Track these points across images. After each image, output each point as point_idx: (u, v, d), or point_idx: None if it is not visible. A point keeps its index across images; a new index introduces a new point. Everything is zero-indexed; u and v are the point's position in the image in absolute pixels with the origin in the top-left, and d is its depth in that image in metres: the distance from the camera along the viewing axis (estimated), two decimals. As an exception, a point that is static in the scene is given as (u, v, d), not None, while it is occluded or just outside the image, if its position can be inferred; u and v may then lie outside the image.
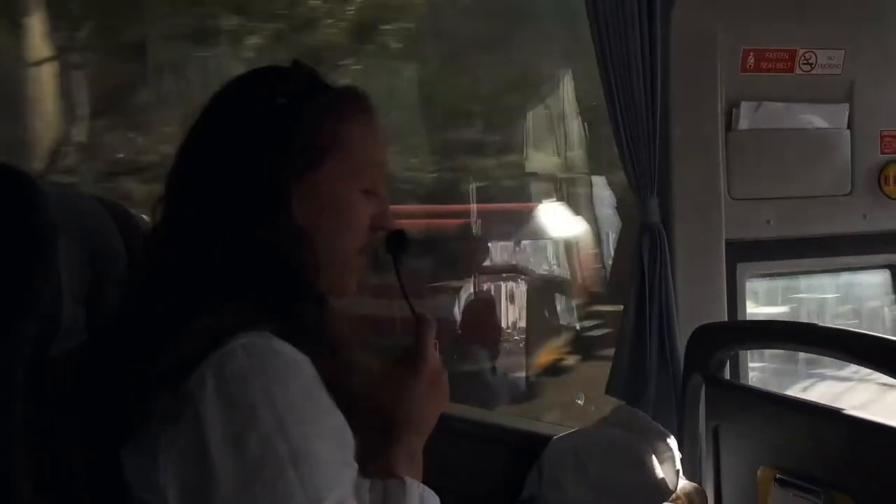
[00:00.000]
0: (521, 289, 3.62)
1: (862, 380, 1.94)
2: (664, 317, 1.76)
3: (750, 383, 1.85)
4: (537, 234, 3.78)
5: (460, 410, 1.94)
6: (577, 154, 3.50)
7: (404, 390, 0.82)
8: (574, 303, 3.55)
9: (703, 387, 1.54)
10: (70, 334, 0.81)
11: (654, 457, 1.53)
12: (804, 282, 2.14)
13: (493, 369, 3.35)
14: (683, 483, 1.52)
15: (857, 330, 1.45)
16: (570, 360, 3.44)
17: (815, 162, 1.94)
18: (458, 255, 3.69)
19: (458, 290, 3.53)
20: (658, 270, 1.75)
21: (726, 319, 1.82)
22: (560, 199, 3.74)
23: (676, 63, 1.76)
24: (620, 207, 2.58)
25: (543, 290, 3.67)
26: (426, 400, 0.83)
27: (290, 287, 0.77)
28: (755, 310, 1.98)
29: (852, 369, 1.94)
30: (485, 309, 3.63)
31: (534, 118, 3.82)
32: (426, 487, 0.81)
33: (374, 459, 0.78)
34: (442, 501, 0.83)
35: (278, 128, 0.80)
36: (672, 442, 1.56)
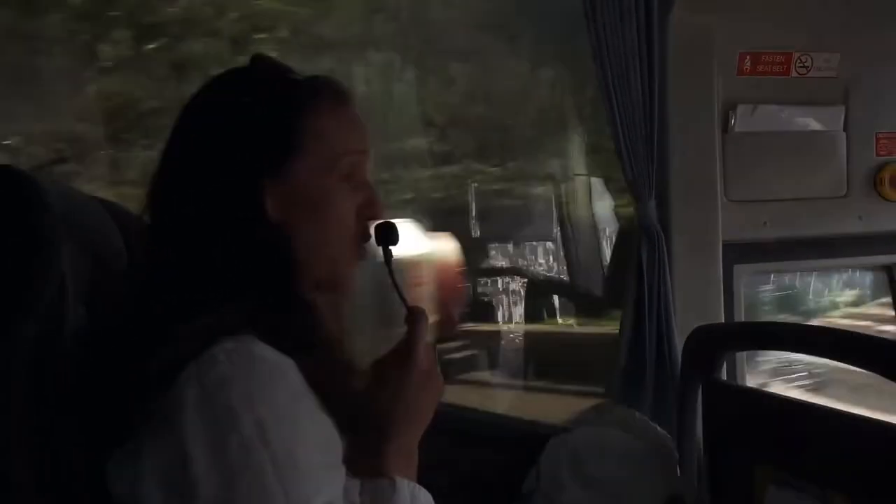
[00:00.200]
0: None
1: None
2: (662, 318, 1.76)
3: (747, 384, 1.86)
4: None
5: (458, 409, 1.95)
6: (576, 155, 3.50)
7: (396, 386, 0.80)
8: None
9: (701, 388, 1.55)
10: (72, 334, 0.81)
11: (652, 457, 1.54)
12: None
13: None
14: (681, 483, 1.52)
15: (854, 331, 1.45)
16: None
17: (811, 164, 1.95)
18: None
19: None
20: (656, 272, 1.76)
21: (723, 321, 1.83)
22: (559, 200, 3.73)
23: (673, 66, 1.77)
24: (618, 209, 2.58)
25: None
26: (419, 395, 0.81)
27: (270, 288, 0.76)
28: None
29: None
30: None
31: (532, 124, 3.83)
32: (418, 486, 0.80)
33: (365, 459, 0.77)
34: (438, 501, 0.82)
35: (244, 127, 0.79)
36: (670, 443, 1.57)
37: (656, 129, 1.73)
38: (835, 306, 2.77)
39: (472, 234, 3.63)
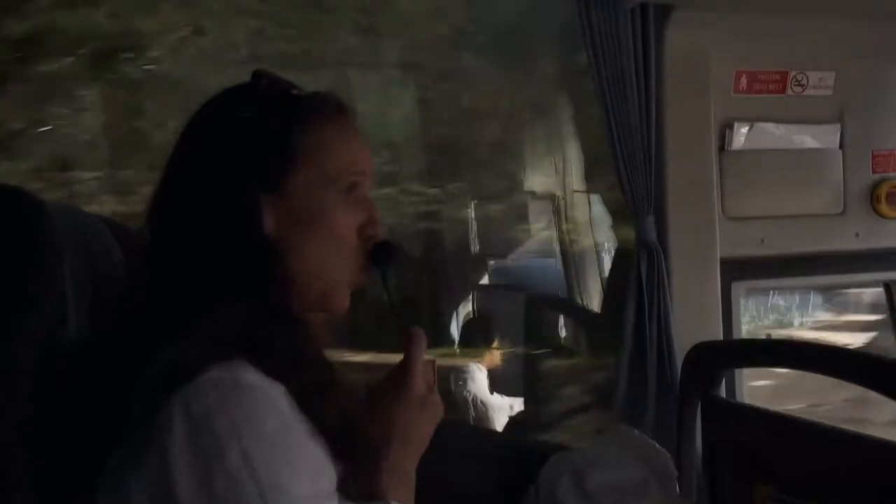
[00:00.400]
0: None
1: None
2: (662, 334, 1.77)
3: (746, 401, 1.86)
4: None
5: (456, 427, 1.94)
6: (575, 173, 3.52)
7: (393, 409, 0.79)
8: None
9: (700, 405, 1.55)
10: (74, 351, 0.82)
11: (651, 475, 1.53)
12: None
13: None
14: (680, 501, 1.52)
15: (852, 349, 1.46)
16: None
17: (807, 181, 1.97)
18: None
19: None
20: (655, 288, 1.76)
21: (721, 338, 1.83)
22: (557, 216, 3.74)
23: (670, 84, 1.78)
24: (616, 226, 2.59)
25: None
26: (417, 418, 0.80)
27: (264, 305, 0.74)
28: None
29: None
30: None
31: (531, 141, 3.85)
32: None
33: (361, 484, 0.75)
34: (437, 520, 0.82)
35: (242, 142, 0.78)
36: (669, 460, 1.57)
37: (653, 147, 1.75)
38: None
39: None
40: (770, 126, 1.93)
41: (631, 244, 1.84)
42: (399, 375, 0.81)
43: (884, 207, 1.99)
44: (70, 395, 0.76)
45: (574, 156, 3.42)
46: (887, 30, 1.90)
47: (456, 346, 3.88)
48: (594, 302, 3.45)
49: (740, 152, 1.91)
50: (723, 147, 1.90)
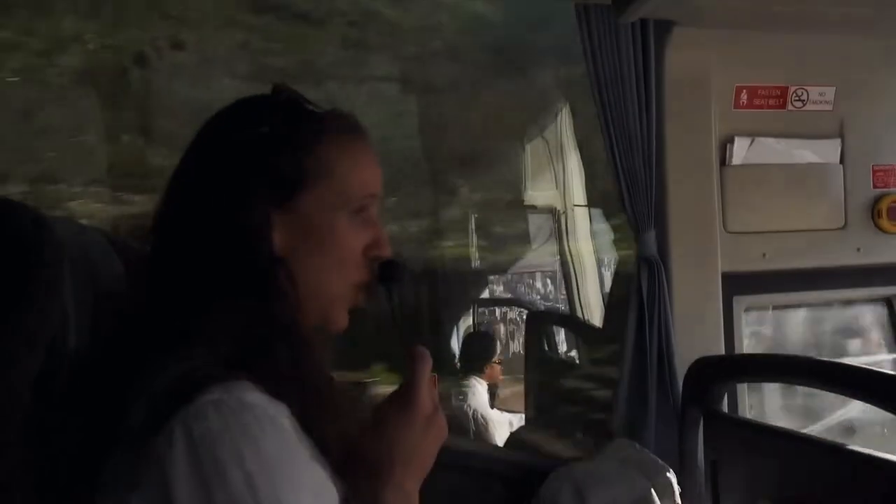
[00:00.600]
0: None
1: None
2: (663, 349, 1.76)
3: (748, 416, 1.85)
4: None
5: (457, 443, 1.93)
6: (576, 187, 3.52)
7: (397, 430, 0.78)
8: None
9: (702, 420, 1.54)
10: (74, 365, 0.81)
11: (653, 490, 1.52)
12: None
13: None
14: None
15: (854, 364, 1.45)
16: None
17: (808, 196, 1.97)
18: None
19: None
20: (656, 302, 1.76)
21: (723, 352, 1.83)
22: (558, 231, 3.75)
23: (671, 99, 1.79)
24: (617, 240, 2.60)
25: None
26: (421, 439, 0.79)
27: (266, 325, 0.74)
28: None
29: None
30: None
31: (531, 155, 3.86)
32: None
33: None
34: (439, 537, 0.81)
35: (258, 157, 0.77)
36: (672, 476, 1.56)
37: (654, 161, 1.75)
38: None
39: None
40: (771, 141, 1.94)
41: (632, 258, 1.84)
42: (404, 394, 0.80)
43: (885, 222, 1.99)
44: (70, 398, 0.76)
45: (575, 169, 3.43)
46: (887, 45, 1.91)
47: (456, 361, 3.88)
48: (595, 316, 3.45)
49: (741, 167, 1.91)
50: (724, 162, 1.91)
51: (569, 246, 3.65)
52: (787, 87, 1.93)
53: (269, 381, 0.70)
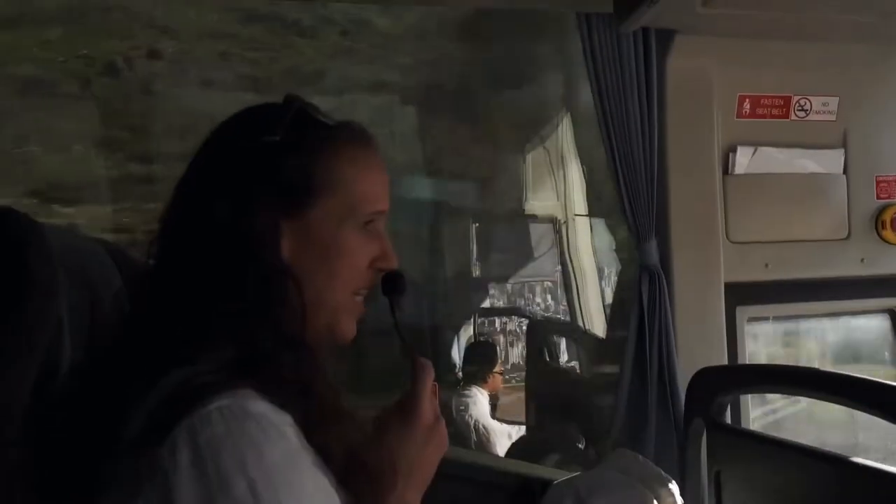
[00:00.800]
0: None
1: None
2: (664, 359, 1.76)
3: (751, 427, 1.84)
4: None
5: (459, 454, 1.92)
6: (577, 197, 3.52)
7: (400, 439, 0.79)
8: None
9: (705, 431, 1.53)
10: (71, 371, 0.81)
11: (655, 502, 1.51)
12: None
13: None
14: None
15: (857, 375, 1.44)
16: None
17: (811, 206, 1.96)
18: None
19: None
20: (657, 312, 1.75)
21: (726, 363, 1.82)
22: (560, 240, 3.75)
23: (673, 108, 1.79)
24: (619, 250, 2.59)
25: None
26: (423, 449, 0.80)
27: (273, 332, 0.74)
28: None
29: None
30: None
31: (532, 164, 3.87)
32: None
33: None
34: (441, 548, 0.81)
35: (268, 165, 0.77)
36: (674, 487, 1.55)
37: (656, 171, 1.75)
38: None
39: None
40: (773, 151, 1.93)
41: (633, 268, 1.83)
42: (407, 404, 0.80)
43: (888, 233, 1.99)
44: (71, 401, 0.75)
45: (576, 178, 3.43)
46: (890, 55, 1.91)
47: (458, 370, 3.87)
48: (596, 326, 3.44)
49: (744, 176, 1.91)
50: (726, 171, 1.90)
51: (570, 255, 3.64)
52: (790, 97, 1.93)
53: (272, 389, 0.70)
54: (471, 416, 3.42)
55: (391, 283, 0.85)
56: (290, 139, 0.79)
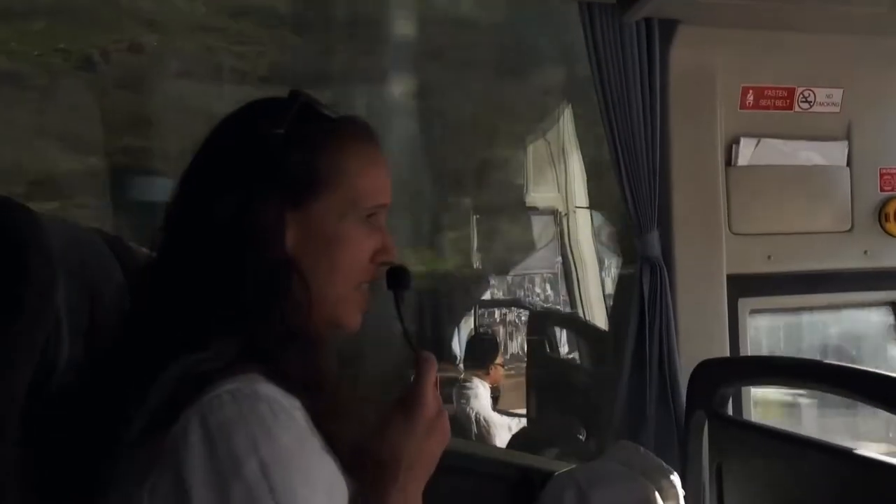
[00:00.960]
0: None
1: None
2: (665, 351, 1.75)
3: (753, 419, 1.83)
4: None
5: (460, 445, 1.92)
6: (578, 188, 3.52)
7: (402, 432, 0.80)
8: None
9: (706, 423, 1.53)
10: (70, 365, 0.80)
11: (657, 494, 1.51)
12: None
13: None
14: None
15: (859, 367, 1.43)
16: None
17: (815, 198, 1.96)
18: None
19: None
20: (658, 304, 1.75)
21: (728, 355, 1.81)
22: (560, 232, 3.75)
23: (676, 99, 1.78)
24: (620, 241, 2.59)
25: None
26: (425, 441, 0.80)
27: (277, 324, 0.75)
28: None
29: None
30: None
31: (533, 156, 3.86)
32: None
33: (369, 503, 0.76)
34: (442, 539, 0.81)
35: (273, 158, 0.78)
36: (675, 479, 1.55)
37: (658, 162, 1.74)
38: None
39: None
40: (777, 142, 1.92)
41: (634, 259, 1.83)
42: (409, 398, 0.81)
43: (892, 225, 1.98)
44: (73, 397, 0.76)
45: (577, 170, 3.42)
46: (895, 47, 1.90)
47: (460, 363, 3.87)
48: (597, 318, 3.44)
49: (747, 168, 1.90)
50: (729, 162, 1.89)
51: (571, 247, 3.64)
52: (794, 89, 1.92)
53: (279, 377, 0.71)
54: (472, 408, 3.42)
55: (396, 278, 0.86)
56: (296, 133, 0.80)
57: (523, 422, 3.41)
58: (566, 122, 3.38)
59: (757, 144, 1.91)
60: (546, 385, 3.20)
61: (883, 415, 1.86)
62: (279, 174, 0.78)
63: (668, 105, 1.77)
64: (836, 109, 1.95)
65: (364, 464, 0.76)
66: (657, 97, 1.73)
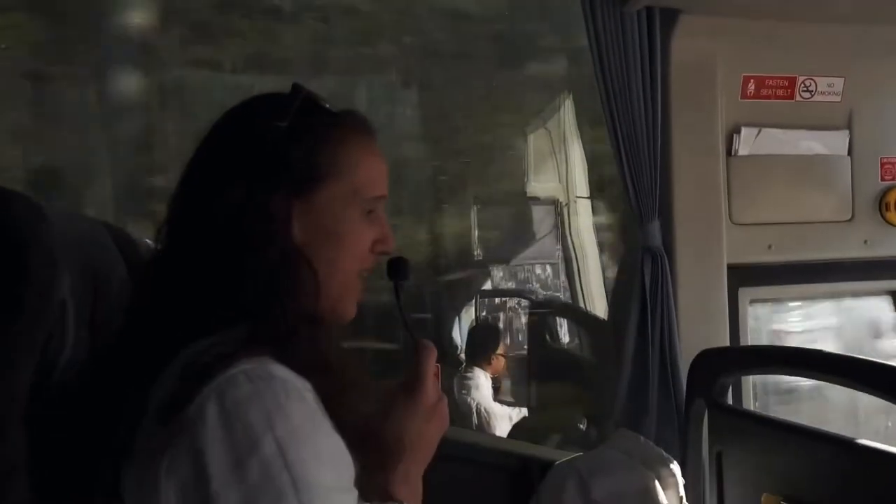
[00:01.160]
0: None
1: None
2: (666, 340, 1.76)
3: (753, 408, 1.84)
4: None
5: (461, 434, 1.93)
6: (578, 178, 3.51)
7: (403, 417, 0.83)
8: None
9: (706, 412, 1.54)
10: (75, 358, 0.81)
11: (657, 482, 1.52)
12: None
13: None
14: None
15: (860, 356, 1.44)
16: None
17: (815, 188, 1.95)
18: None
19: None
20: (659, 294, 1.75)
21: (728, 344, 1.82)
22: (561, 222, 3.74)
23: (677, 89, 1.77)
24: (622, 231, 2.59)
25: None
26: (425, 427, 0.84)
27: (286, 311, 0.77)
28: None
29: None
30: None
31: (533, 146, 3.85)
32: None
33: (373, 485, 0.78)
34: (443, 527, 0.83)
35: (277, 150, 0.80)
36: (675, 467, 1.56)
37: (659, 152, 1.74)
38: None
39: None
40: (778, 132, 1.92)
41: (635, 249, 1.83)
42: (410, 385, 0.84)
43: (893, 215, 1.98)
44: (70, 416, 0.77)
45: (578, 160, 3.41)
46: None
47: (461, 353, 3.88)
48: (598, 307, 3.44)
49: (748, 157, 1.90)
50: (730, 152, 1.89)
51: (571, 237, 3.64)
52: (795, 78, 1.91)
53: (290, 360, 0.73)
54: (473, 398, 3.43)
55: (396, 269, 0.89)
56: (299, 125, 0.82)
57: (524, 412, 3.42)
58: (567, 110, 3.37)
59: (758, 134, 1.90)
60: (547, 374, 3.21)
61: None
62: (284, 166, 0.80)
63: (669, 95, 1.76)
64: (838, 98, 1.94)
65: (368, 444, 0.78)
66: (658, 87, 1.73)
